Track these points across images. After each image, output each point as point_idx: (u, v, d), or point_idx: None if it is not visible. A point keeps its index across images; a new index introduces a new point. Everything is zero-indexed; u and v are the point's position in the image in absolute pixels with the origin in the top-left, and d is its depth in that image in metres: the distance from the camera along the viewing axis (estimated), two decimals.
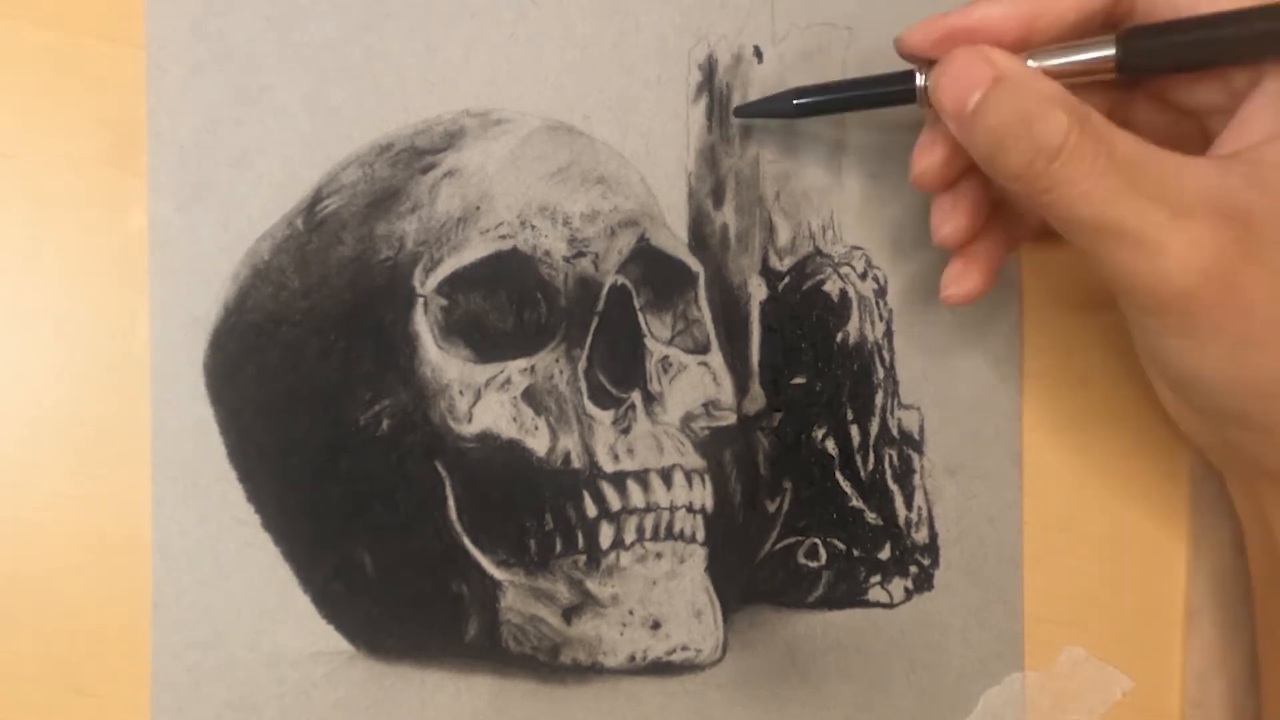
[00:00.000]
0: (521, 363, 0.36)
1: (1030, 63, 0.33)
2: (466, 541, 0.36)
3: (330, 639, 0.35)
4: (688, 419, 0.38)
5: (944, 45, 0.33)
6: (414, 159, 0.36)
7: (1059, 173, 0.30)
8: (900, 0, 0.40)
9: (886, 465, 0.40)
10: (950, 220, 0.36)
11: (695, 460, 0.37)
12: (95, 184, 0.34)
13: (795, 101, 0.36)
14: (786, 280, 0.39)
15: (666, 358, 0.37)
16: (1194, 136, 0.34)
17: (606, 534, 0.36)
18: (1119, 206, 0.29)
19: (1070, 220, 0.31)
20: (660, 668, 0.37)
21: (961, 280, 0.36)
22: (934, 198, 0.36)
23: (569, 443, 0.36)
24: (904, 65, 0.35)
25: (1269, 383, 0.30)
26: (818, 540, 0.39)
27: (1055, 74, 0.32)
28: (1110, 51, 0.31)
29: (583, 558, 0.36)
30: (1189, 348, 0.31)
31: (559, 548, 0.36)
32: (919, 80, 0.34)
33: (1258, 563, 0.37)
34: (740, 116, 0.38)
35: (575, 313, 0.37)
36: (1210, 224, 0.29)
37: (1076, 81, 0.32)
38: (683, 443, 0.37)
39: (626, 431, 0.37)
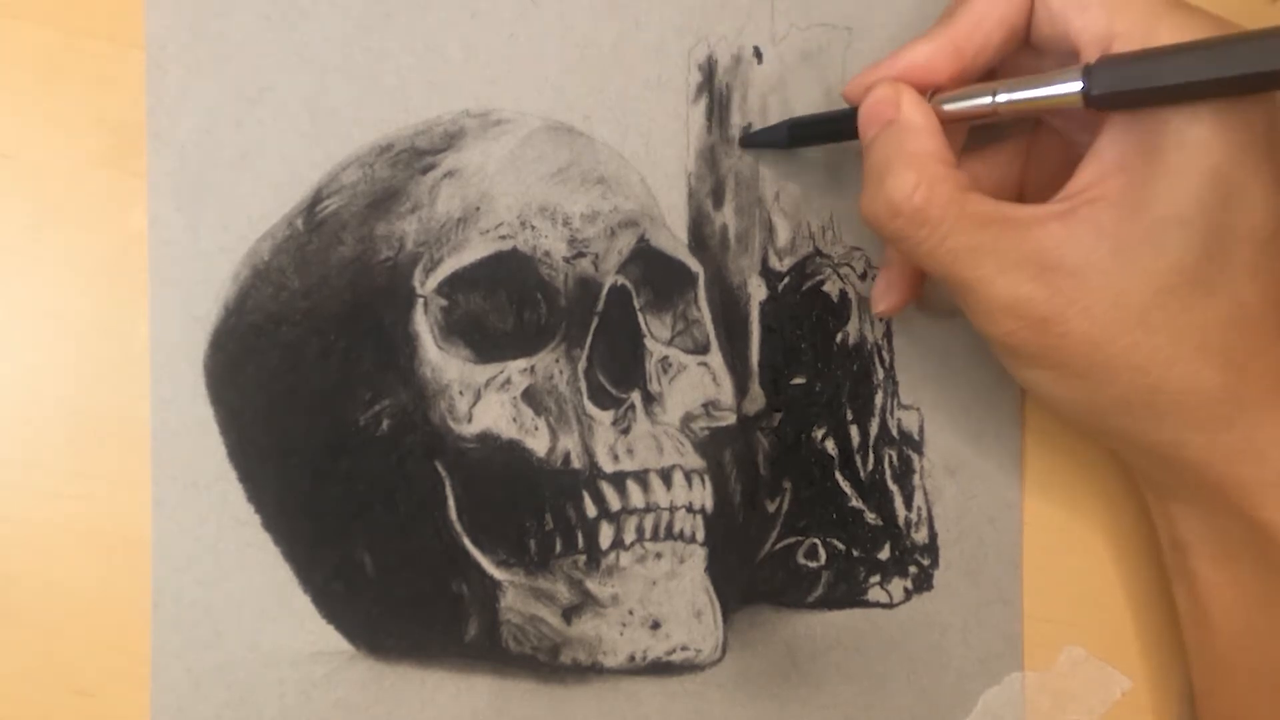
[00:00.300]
0: (521, 363, 0.36)
1: (1000, 97, 0.33)
2: (466, 541, 0.36)
3: (330, 639, 0.35)
4: (688, 419, 0.38)
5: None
6: (414, 159, 0.36)
7: (898, 230, 0.33)
8: (900, 0, 0.40)
9: (886, 465, 0.40)
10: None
11: (695, 460, 0.38)
12: (95, 184, 0.34)
13: (790, 132, 0.38)
14: (786, 281, 0.39)
15: (666, 358, 0.38)
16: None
17: (606, 534, 0.36)
18: (955, 265, 0.33)
19: (923, 268, 0.34)
20: (660, 668, 0.37)
21: (888, 294, 0.38)
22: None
23: (569, 443, 0.36)
24: None
25: (1095, 402, 0.33)
26: (817, 540, 0.39)
27: (1017, 109, 0.33)
28: (1077, 87, 0.32)
29: (583, 558, 0.36)
30: (1022, 371, 0.34)
31: (559, 548, 0.36)
32: None
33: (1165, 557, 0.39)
34: (745, 147, 0.39)
35: (575, 313, 0.37)
36: (1033, 276, 0.32)
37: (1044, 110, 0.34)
38: (682, 443, 0.37)
39: (626, 432, 0.37)
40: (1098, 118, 0.33)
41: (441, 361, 0.35)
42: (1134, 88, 0.31)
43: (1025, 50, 0.35)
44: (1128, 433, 0.34)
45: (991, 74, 0.35)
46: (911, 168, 0.32)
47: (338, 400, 0.35)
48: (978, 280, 0.32)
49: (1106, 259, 0.31)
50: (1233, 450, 0.33)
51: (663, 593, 0.37)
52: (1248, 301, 0.32)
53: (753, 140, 0.39)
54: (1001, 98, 0.33)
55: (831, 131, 0.37)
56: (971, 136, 0.38)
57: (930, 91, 0.34)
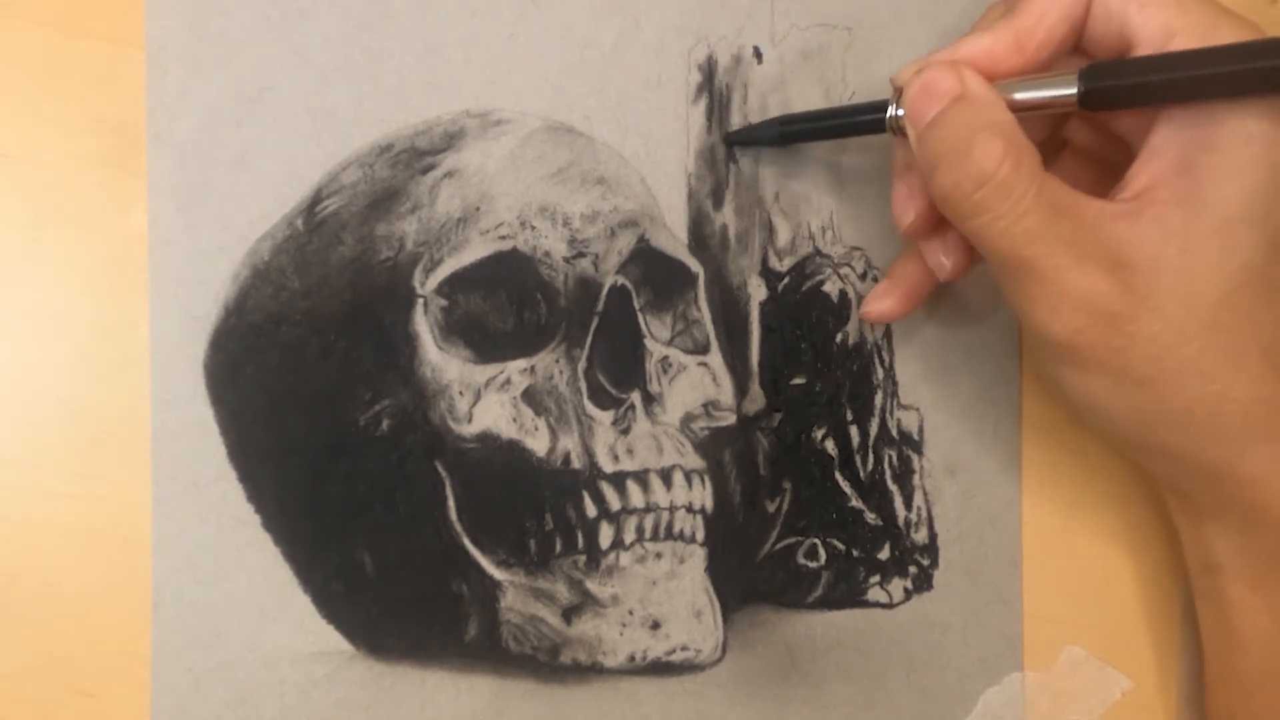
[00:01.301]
0: (521, 363, 0.36)
1: (1005, 95, 0.33)
2: (466, 541, 0.36)
3: (330, 639, 0.35)
4: (687, 419, 0.38)
5: None
6: (414, 159, 0.36)
7: (982, 201, 0.31)
8: (900, 0, 0.40)
9: (886, 465, 0.40)
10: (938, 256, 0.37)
11: (695, 460, 0.38)
12: (95, 184, 0.34)
13: (781, 129, 0.37)
14: (786, 281, 0.39)
15: (666, 358, 0.38)
16: (1122, 158, 0.35)
17: (606, 534, 0.36)
18: (1031, 246, 0.31)
19: (987, 249, 0.32)
20: (660, 668, 0.37)
21: (881, 300, 0.38)
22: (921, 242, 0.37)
23: (569, 443, 0.36)
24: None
25: (1152, 414, 0.32)
26: (817, 540, 0.39)
27: (1018, 106, 0.33)
28: (1072, 90, 0.32)
29: (582, 558, 0.36)
30: (1077, 378, 0.33)
31: (559, 548, 0.36)
32: (890, 110, 0.34)
33: (1189, 570, 0.38)
34: (729, 143, 0.38)
35: (575, 313, 0.37)
36: (1106, 270, 0.31)
37: (1039, 113, 0.33)
38: (682, 443, 0.37)
39: (626, 432, 0.37)
40: (1149, 113, 0.32)
41: (441, 361, 0.35)
42: (1126, 84, 0.31)
43: (1074, 55, 0.34)
44: (1183, 449, 0.33)
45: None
46: (999, 135, 0.31)
47: (338, 400, 0.35)
48: (1053, 268, 0.31)
49: (1176, 258, 0.31)
50: None
51: (663, 593, 0.37)
52: None
53: (739, 137, 0.38)
54: (1005, 95, 0.33)
55: (832, 127, 0.37)
56: None
57: None
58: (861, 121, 0.36)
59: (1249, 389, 0.31)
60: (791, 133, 0.37)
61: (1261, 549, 0.34)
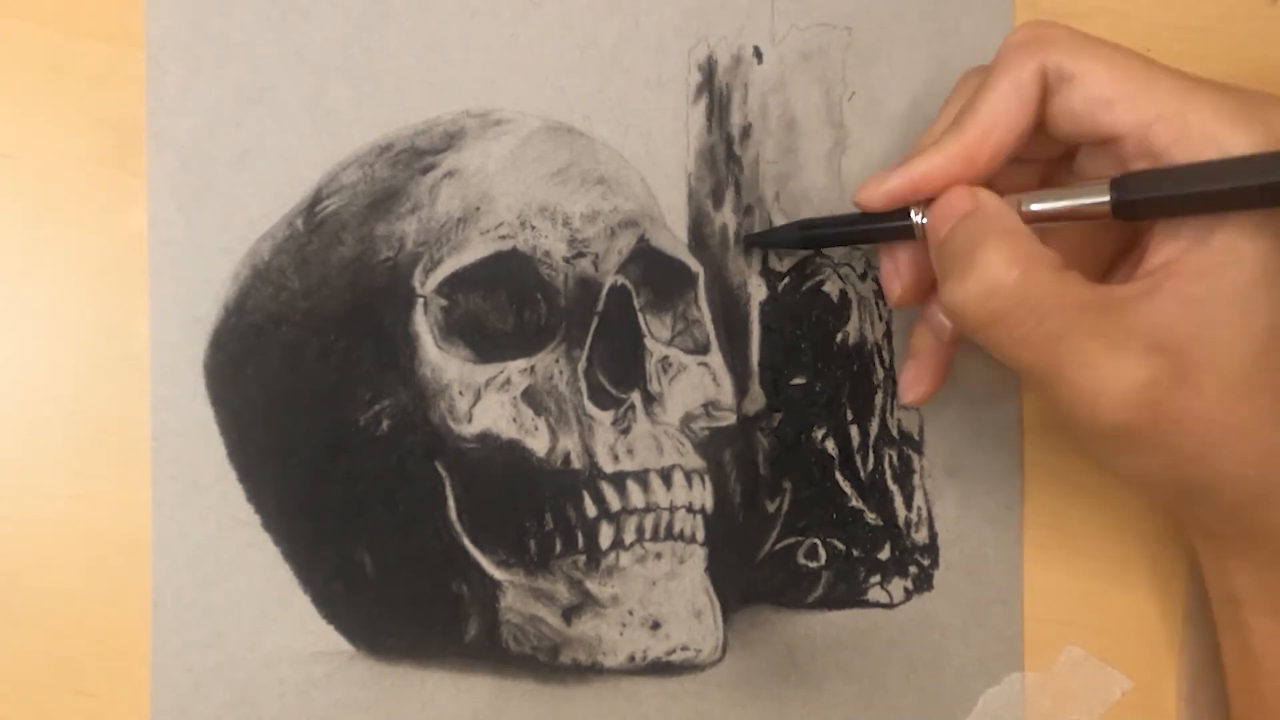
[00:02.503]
0: (521, 363, 0.36)
1: (1031, 206, 0.33)
2: (466, 541, 0.36)
3: (330, 639, 0.35)
4: (688, 419, 0.38)
5: (892, 202, 0.34)
6: (414, 159, 0.36)
7: (995, 311, 0.31)
8: (900, 0, 0.40)
9: (886, 465, 0.40)
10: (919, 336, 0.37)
11: (695, 460, 0.38)
12: (95, 184, 0.34)
13: (801, 234, 0.37)
14: (786, 281, 0.39)
15: (666, 358, 0.38)
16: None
17: (606, 534, 0.36)
18: (1057, 346, 0.31)
19: (1008, 358, 0.32)
20: (660, 668, 0.37)
21: (915, 386, 0.38)
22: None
23: (569, 443, 0.36)
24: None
25: (1206, 483, 0.32)
26: (817, 540, 0.39)
27: (1050, 216, 0.33)
28: (1105, 198, 0.32)
29: (582, 558, 0.36)
30: (1127, 460, 0.33)
31: (559, 548, 0.36)
32: (915, 218, 0.34)
33: (1215, 607, 0.38)
34: (749, 245, 0.39)
35: (575, 313, 0.37)
36: (1141, 357, 0.31)
37: (1073, 222, 0.33)
38: (682, 443, 0.37)
39: (626, 432, 0.37)
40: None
41: (441, 361, 0.35)
42: (1160, 199, 0.31)
43: (1036, 135, 0.34)
44: (1235, 507, 0.33)
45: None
46: (1005, 244, 0.31)
47: (338, 400, 0.35)
48: (1086, 364, 0.31)
49: (1201, 330, 0.31)
50: None
51: (663, 593, 0.37)
52: None
53: (761, 241, 0.38)
54: (1030, 207, 0.33)
55: (846, 235, 0.37)
56: None
57: None
58: (886, 229, 0.36)
59: None
60: (813, 238, 0.37)
61: None
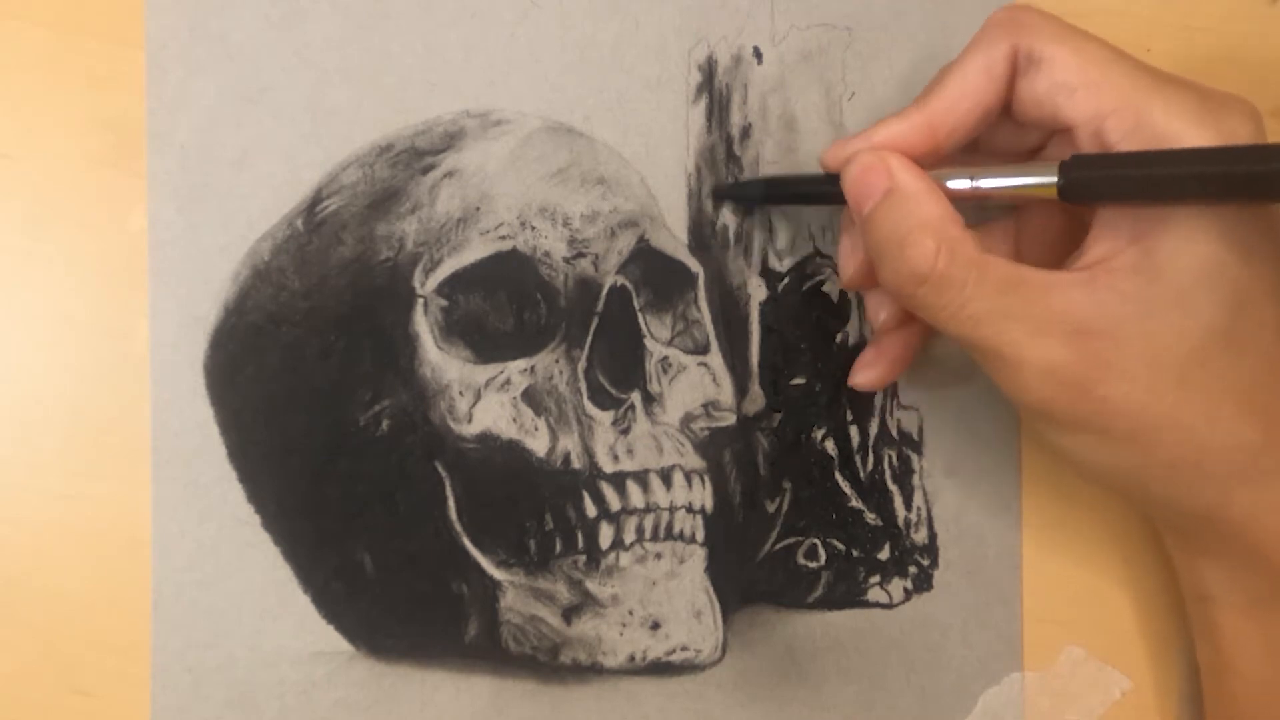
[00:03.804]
0: (521, 363, 0.36)
1: (981, 182, 0.33)
2: (466, 541, 0.36)
3: (330, 639, 0.35)
4: (687, 419, 0.38)
5: None
6: (414, 159, 0.36)
7: (924, 296, 0.32)
8: (900, 0, 0.40)
9: (886, 466, 0.40)
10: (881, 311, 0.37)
11: (695, 460, 0.38)
12: (95, 184, 0.34)
13: (766, 190, 0.38)
14: (786, 281, 0.39)
15: (666, 358, 0.38)
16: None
17: (606, 534, 0.36)
18: (981, 329, 0.32)
19: (945, 334, 0.33)
20: (660, 668, 0.37)
21: (869, 369, 0.38)
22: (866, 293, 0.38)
23: (569, 443, 0.36)
24: None
25: (1139, 467, 0.33)
26: (817, 540, 0.39)
27: (998, 194, 0.33)
28: (1053, 179, 0.32)
29: (582, 558, 0.36)
30: (1062, 437, 0.34)
31: (559, 548, 0.36)
32: None
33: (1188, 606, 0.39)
34: (717, 198, 0.38)
35: (575, 313, 0.37)
36: (1064, 340, 0.31)
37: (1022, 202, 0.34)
38: (682, 443, 0.37)
39: (626, 432, 0.37)
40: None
41: (441, 362, 0.35)
42: (1106, 183, 0.31)
43: (1007, 123, 0.35)
44: (1173, 496, 0.34)
45: (973, 145, 0.36)
46: (928, 233, 0.32)
47: (338, 400, 0.35)
48: (1007, 345, 0.32)
49: (1136, 323, 0.31)
50: (1275, 504, 0.33)
51: (662, 593, 0.37)
52: (1278, 358, 0.32)
53: (728, 193, 0.38)
54: (981, 183, 0.33)
55: (808, 194, 0.37)
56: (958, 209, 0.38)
57: None
58: (837, 191, 0.35)
59: (1227, 439, 0.32)
60: (777, 194, 0.38)
61: (1251, 583, 0.35)
